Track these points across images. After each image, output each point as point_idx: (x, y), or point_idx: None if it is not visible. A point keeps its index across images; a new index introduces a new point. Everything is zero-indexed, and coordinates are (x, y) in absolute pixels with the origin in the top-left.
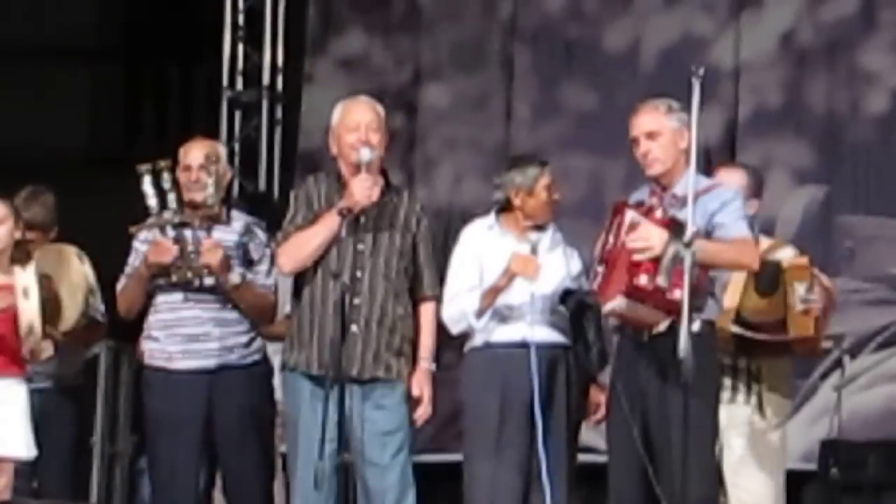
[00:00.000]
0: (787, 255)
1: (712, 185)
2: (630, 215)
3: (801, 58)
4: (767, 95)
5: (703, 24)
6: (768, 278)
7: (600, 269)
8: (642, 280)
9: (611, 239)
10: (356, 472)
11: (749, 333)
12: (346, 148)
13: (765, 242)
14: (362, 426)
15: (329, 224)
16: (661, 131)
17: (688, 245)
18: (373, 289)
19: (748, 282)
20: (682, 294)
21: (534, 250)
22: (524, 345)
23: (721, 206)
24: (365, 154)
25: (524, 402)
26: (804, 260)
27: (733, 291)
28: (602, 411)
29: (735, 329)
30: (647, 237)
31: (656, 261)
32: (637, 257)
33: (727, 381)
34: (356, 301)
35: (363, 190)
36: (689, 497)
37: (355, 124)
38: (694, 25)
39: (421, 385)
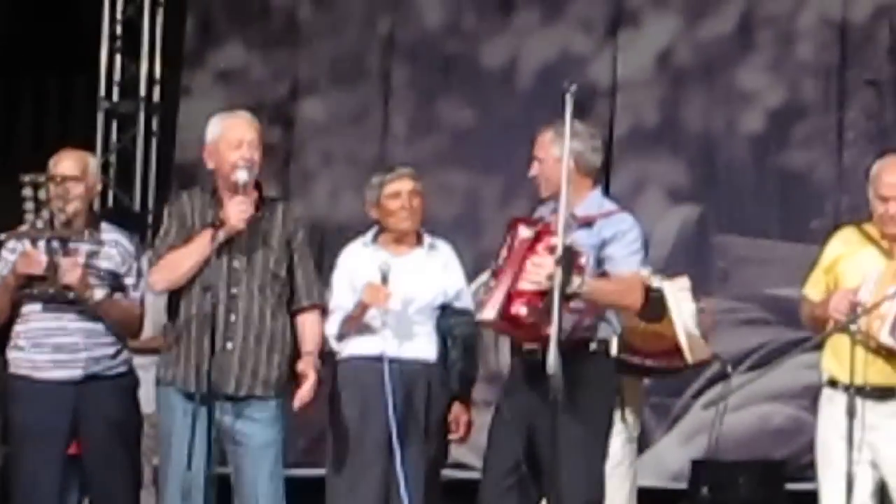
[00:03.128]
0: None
1: (612, 210)
2: (523, 232)
3: (678, 77)
4: (644, 114)
5: (581, 42)
6: (653, 306)
7: (492, 282)
8: (521, 311)
9: (503, 253)
10: (231, 486)
11: (637, 360)
12: (225, 165)
13: (677, 282)
14: (235, 441)
15: (202, 245)
16: (545, 158)
17: (579, 287)
18: (249, 305)
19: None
20: (555, 329)
21: (384, 279)
22: (381, 360)
23: (615, 235)
24: (242, 175)
25: (382, 416)
26: (684, 280)
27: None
28: (462, 430)
29: (622, 356)
30: (543, 269)
31: (542, 294)
32: (525, 286)
33: None
34: (232, 318)
35: (238, 213)
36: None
37: (237, 141)
38: (572, 43)
39: (307, 367)
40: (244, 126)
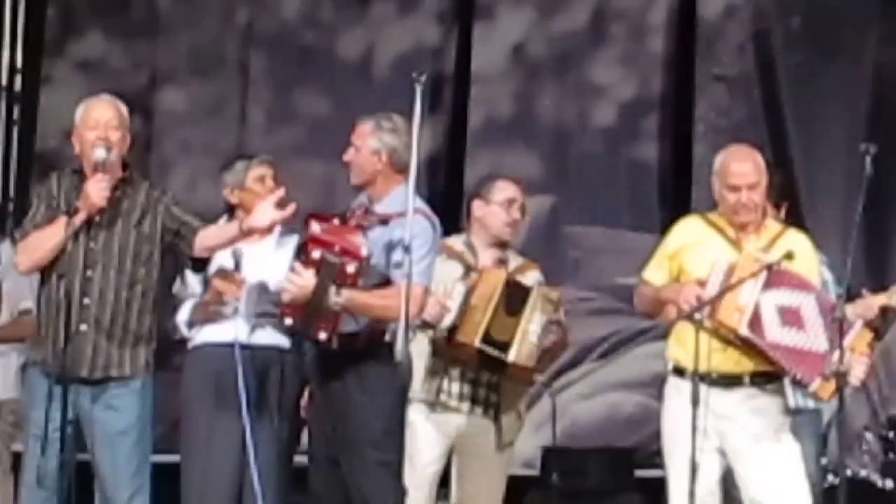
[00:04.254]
0: (534, 278)
1: (415, 210)
2: (313, 227)
3: (532, 70)
4: (498, 106)
5: (435, 34)
6: (516, 299)
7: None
8: (287, 321)
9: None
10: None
11: (495, 353)
12: (86, 146)
13: (514, 261)
14: (92, 426)
15: (60, 227)
16: (360, 147)
17: (335, 301)
18: (104, 287)
19: (499, 302)
20: (326, 335)
21: (237, 266)
22: (233, 346)
23: (402, 240)
24: (100, 153)
25: (234, 406)
26: (556, 294)
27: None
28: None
29: (481, 346)
30: (300, 282)
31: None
32: (286, 298)
33: (466, 391)
34: (86, 301)
35: (97, 191)
36: (364, 492)
37: (94, 122)
38: (426, 35)
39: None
40: (103, 107)
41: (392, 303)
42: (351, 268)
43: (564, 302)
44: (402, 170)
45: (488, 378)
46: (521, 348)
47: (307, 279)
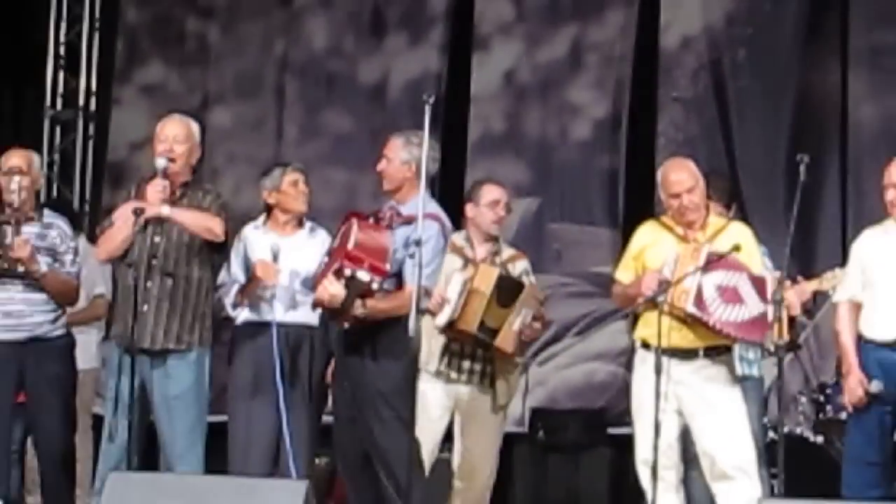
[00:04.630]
0: (523, 266)
1: (427, 214)
2: (356, 224)
3: (521, 93)
4: (492, 123)
5: (440, 63)
6: (508, 293)
7: (325, 260)
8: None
9: (337, 239)
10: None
11: (487, 339)
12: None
13: (506, 252)
14: (154, 391)
15: (129, 222)
16: (393, 159)
17: (359, 311)
18: (164, 273)
19: (492, 296)
20: (349, 325)
21: (275, 257)
22: (270, 325)
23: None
24: (160, 163)
25: (271, 375)
26: (542, 294)
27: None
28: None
29: (477, 334)
30: (330, 292)
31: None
32: (317, 301)
33: (466, 365)
34: (148, 285)
35: (154, 193)
36: (379, 445)
37: (164, 137)
38: (432, 63)
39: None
40: (172, 124)
41: (402, 303)
42: (375, 284)
43: (548, 286)
44: (427, 178)
45: (483, 354)
46: (506, 336)
47: (338, 291)
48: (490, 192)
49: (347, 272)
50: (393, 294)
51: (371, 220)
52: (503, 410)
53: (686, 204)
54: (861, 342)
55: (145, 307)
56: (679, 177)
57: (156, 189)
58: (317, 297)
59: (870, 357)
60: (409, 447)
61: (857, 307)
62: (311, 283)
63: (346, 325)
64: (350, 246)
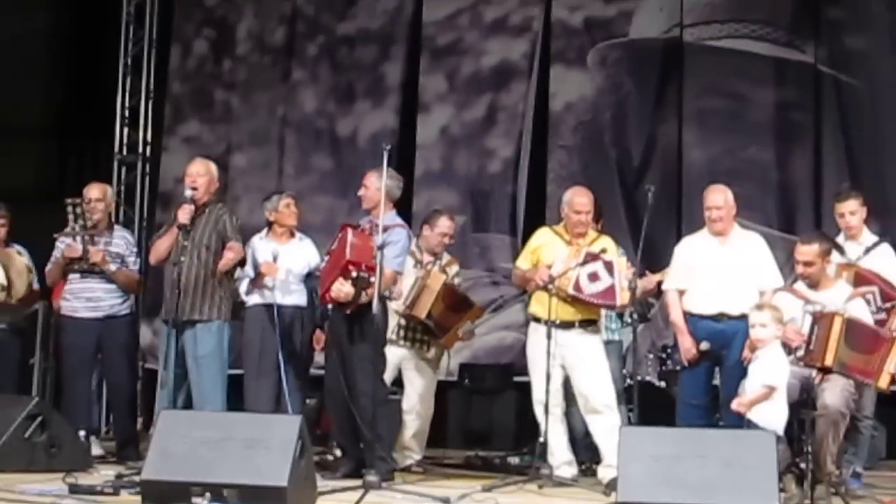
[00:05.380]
0: (455, 269)
1: (395, 225)
2: (350, 233)
3: (452, 142)
4: (432, 163)
5: (395, 121)
6: (459, 302)
7: (325, 260)
8: (329, 303)
9: (335, 245)
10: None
11: (436, 332)
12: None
13: (445, 258)
14: (188, 352)
15: (170, 233)
16: (369, 186)
17: (364, 298)
18: (190, 267)
19: (439, 296)
20: (350, 310)
21: (275, 259)
22: (272, 306)
23: (390, 242)
24: (187, 192)
25: (273, 342)
26: (482, 313)
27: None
28: (320, 346)
29: (424, 320)
30: (344, 291)
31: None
32: (331, 298)
33: (411, 335)
34: (182, 275)
35: (182, 214)
36: (357, 388)
37: (189, 173)
38: (389, 121)
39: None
40: (195, 164)
41: (387, 279)
42: (372, 278)
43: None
44: (393, 200)
45: (423, 328)
46: (452, 337)
47: (348, 289)
48: (442, 225)
49: (354, 274)
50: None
51: (359, 230)
52: (436, 366)
53: (583, 220)
54: (688, 316)
55: (180, 293)
56: (582, 200)
57: (183, 211)
58: (332, 295)
59: (697, 326)
60: (378, 391)
61: (680, 292)
62: (317, 276)
63: (348, 311)
64: (349, 251)
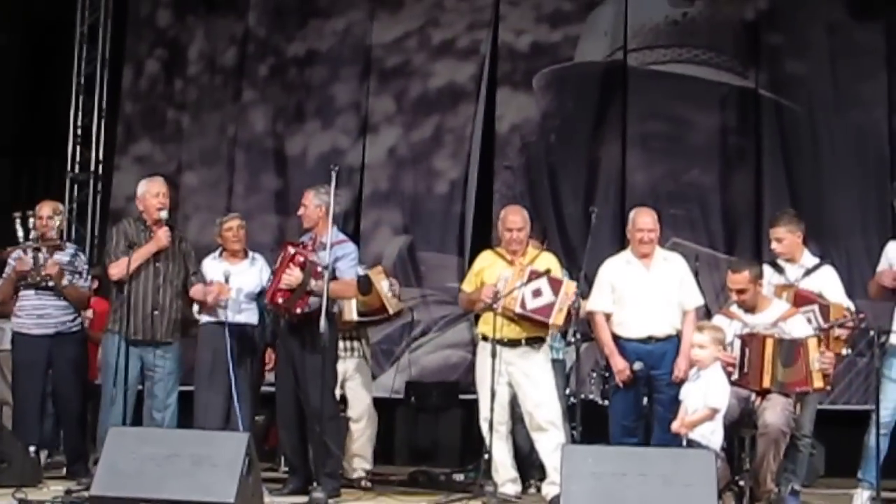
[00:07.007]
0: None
1: (342, 240)
2: (290, 249)
3: (400, 162)
4: (380, 183)
5: (344, 141)
6: (364, 284)
7: (271, 276)
8: (279, 300)
9: (279, 262)
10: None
11: (366, 319)
12: (151, 207)
13: (375, 270)
14: (149, 370)
15: (140, 255)
16: (308, 205)
17: (314, 286)
18: (165, 291)
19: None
20: (301, 310)
21: (226, 279)
22: (224, 324)
23: (343, 255)
24: (164, 214)
25: (225, 359)
26: (379, 267)
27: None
28: (272, 364)
29: (357, 318)
30: (294, 276)
31: (292, 290)
32: (283, 286)
33: (350, 344)
34: (150, 296)
35: (166, 237)
36: (313, 405)
37: (157, 192)
38: (339, 142)
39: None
40: (160, 184)
41: (341, 287)
42: (319, 268)
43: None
44: (334, 218)
45: (360, 338)
46: (385, 305)
47: (297, 274)
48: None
49: (300, 259)
50: (339, 280)
51: (300, 247)
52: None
53: (515, 237)
54: (617, 339)
55: (155, 313)
56: (514, 218)
57: (165, 234)
58: (283, 283)
59: (626, 349)
60: (328, 406)
61: (606, 315)
62: (263, 293)
63: (299, 310)
64: (292, 250)
